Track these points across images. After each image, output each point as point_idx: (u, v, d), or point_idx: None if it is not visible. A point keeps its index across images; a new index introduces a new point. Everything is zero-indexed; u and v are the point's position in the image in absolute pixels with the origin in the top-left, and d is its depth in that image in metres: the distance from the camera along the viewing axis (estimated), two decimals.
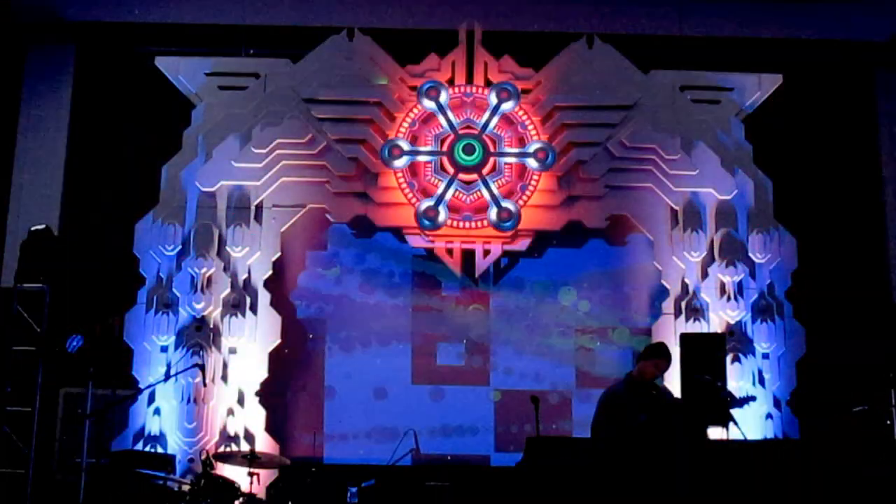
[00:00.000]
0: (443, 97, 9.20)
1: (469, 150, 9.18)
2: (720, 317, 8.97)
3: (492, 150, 9.20)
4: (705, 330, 8.84)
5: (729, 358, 8.45)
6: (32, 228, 8.58)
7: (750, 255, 9.09)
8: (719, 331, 8.83)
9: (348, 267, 9.26)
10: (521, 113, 9.28)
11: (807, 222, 9.45)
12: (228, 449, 8.27)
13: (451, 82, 9.33)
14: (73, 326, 8.37)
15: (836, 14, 9.60)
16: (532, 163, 9.15)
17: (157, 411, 8.61)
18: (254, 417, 8.69)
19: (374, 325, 9.14)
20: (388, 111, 9.29)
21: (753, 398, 7.43)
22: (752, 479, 5.70)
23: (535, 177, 9.18)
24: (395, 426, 8.90)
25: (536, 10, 9.61)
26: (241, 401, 8.72)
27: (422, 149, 9.21)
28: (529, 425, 7.50)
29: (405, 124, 9.23)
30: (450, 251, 9.18)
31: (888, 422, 8.37)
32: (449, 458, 8.79)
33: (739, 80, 9.50)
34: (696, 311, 8.98)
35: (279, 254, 9.09)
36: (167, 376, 8.42)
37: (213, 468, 7.28)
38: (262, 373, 8.82)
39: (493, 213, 9.04)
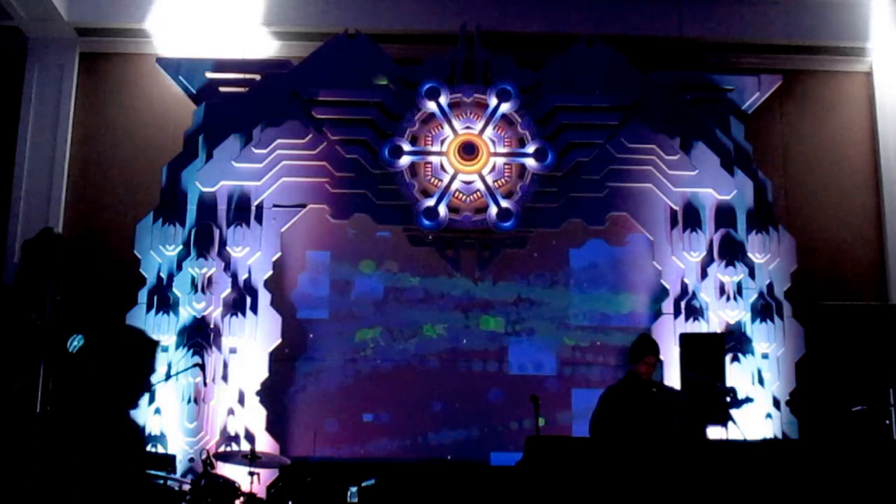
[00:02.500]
0: (442, 98, 9.21)
1: (469, 150, 9.20)
2: (719, 317, 8.98)
3: (492, 150, 9.21)
4: (705, 330, 8.86)
5: (728, 358, 8.48)
6: (43, 228, 8.58)
7: (749, 255, 9.10)
8: (719, 331, 8.84)
9: (347, 267, 9.26)
10: (520, 113, 9.29)
11: (806, 222, 9.47)
12: (229, 448, 8.28)
13: (451, 82, 9.35)
14: (74, 326, 8.37)
15: (835, 15, 9.60)
16: (532, 163, 9.16)
17: (157, 411, 8.62)
18: (254, 417, 8.70)
19: (373, 325, 9.14)
20: (388, 111, 9.30)
21: (751, 400, 7.45)
22: (752, 479, 5.71)
23: (535, 177, 9.20)
24: (395, 425, 8.93)
25: (536, 10, 9.61)
26: (241, 400, 8.73)
27: (422, 149, 9.22)
28: (529, 425, 7.52)
29: (405, 125, 9.24)
30: (450, 251, 9.19)
31: (887, 422, 8.38)
32: (449, 457, 8.79)
33: (739, 80, 9.51)
34: (695, 310, 9.00)
35: (279, 254, 9.10)
36: (167, 376, 8.43)
37: (214, 468, 7.29)
38: (263, 372, 8.83)
39: (493, 213, 9.06)
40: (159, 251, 8.93)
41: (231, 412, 8.68)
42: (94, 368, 3.90)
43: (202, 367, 8.18)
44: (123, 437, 3.86)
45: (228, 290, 8.92)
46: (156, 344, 4.03)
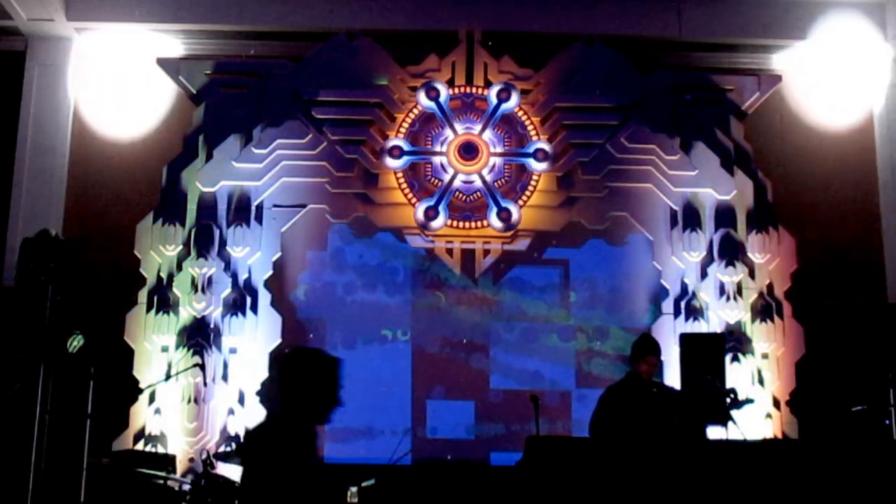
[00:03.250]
0: (443, 98, 9.22)
1: (469, 150, 9.20)
2: (719, 317, 8.98)
3: (492, 150, 9.22)
4: (705, 330, 8.85)
5: (728, 358, 8.47)
6: (40, 230, 8.58)
7: (749, 255, 9.10)
8: (719, 331, 8.84)
9: (348, 267, 9.26)
10: (520, 113, 9.30)
11: (806, 222, 9.47)
12: (229, 448, 8.28)
13: (451, 83, 9.35)
14: (74, 326, 8.37)
15: (834, 16, 9.60)
16: (532, 163, 9.17)
17: (157, 411, 8.62)
18: (254, 417, 8.69)
19: (373, 325, 9.14)
20: (388, 112, 9.31)
21: (752, 401, 7.45)
22: (752, 479, 5.72)
23: (535, 177, 9.20)
24: (394, 426, 8.92)
25: (536, 10, 9.61)
26: (241, 400, 8.74)
27: (422, 149, 9.23)
28: (529, 425, 7.52)
29: (405, 125, 9.25)
30: (450, 251, 9.19)
31: (887, 421, 8.38)
32: (449, 457, 8.79)
33: (739, 80, 9.52)
34: (695, 310, 9.00)
35: (279, 254, 9.10)
36: (168, 376, 8.43)
37: (214, 468, 7.29)
38: (263, 372, 8.83)
39: (493, 213, 9.06)
40: (159, 251, 8.93)
41: (231, 412, 8.69)
42: (289, 393, 4.02)
43: (202, 367, 8.19)
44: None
45: (228, 290, 8.92)
46: (338, 361, 4.09)
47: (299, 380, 4.00)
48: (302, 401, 3.98)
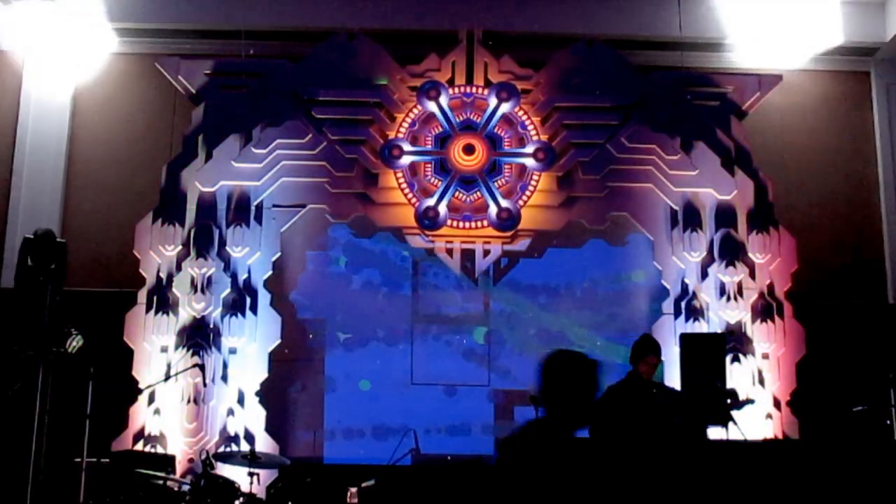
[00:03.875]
0: (443, 97, 9.21)
1: (469, 150, 9.20)
2: (720, 317, 8.97)
3: (492, 150, 9.21)
4: (705, 330, 8.84)
5: (729, 358, 8.46)
6: (38, 231, 8.57)
7: (749, 255, 9.09)
8: (719, 331, 8.83)
9: (348, 267, 9.26)
10: (520, 113, 9.29)
11: (806, 222, 9.46)
12: (228, 449, 8.28)
13: (450, 82, 9.35)
14: (73, 326, 8.35)
15: (834, 15, 9.59)
16: (532, 163, 9.16)
17: (157, 411, 8.62)
18: (254, 417, 8.69)
19: (373, 325, 9.14)
20: (388, 111, 9.30)
21: (753, 402, 7.44)
22: (752, 479, 5.70)
23: (535, 177, 9.20)
24: (395, 426, 8.91)
25: (536, 10, 9.61)
26: (241, 401, 8.73)
27: (422, 149, 9.22)
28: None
29: (405, 124, 9.24)
30: (450, 251, 9.19)
31: (888, 422, 8.37)
32: (449, 457, 8.78)
33: (739, 80, 9.51)
34: (695, 311, 8.99)
35: (279, 254, 9.09)
36: (167, 376, 8.43)
37: (213, 468, 7.28)
38: (262, 373, 8.82)
39: (493, 213, 9.06)
40: (159, 251, 8.92)
41: (231, 412, 8.68)
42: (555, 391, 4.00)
43: (202, 367, 8.18)
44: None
45: (228, 291, 8.92)
46: (596, 363, 4.01)
47: (566, 382, 3.95)
48: (568, 404, 3.93)
